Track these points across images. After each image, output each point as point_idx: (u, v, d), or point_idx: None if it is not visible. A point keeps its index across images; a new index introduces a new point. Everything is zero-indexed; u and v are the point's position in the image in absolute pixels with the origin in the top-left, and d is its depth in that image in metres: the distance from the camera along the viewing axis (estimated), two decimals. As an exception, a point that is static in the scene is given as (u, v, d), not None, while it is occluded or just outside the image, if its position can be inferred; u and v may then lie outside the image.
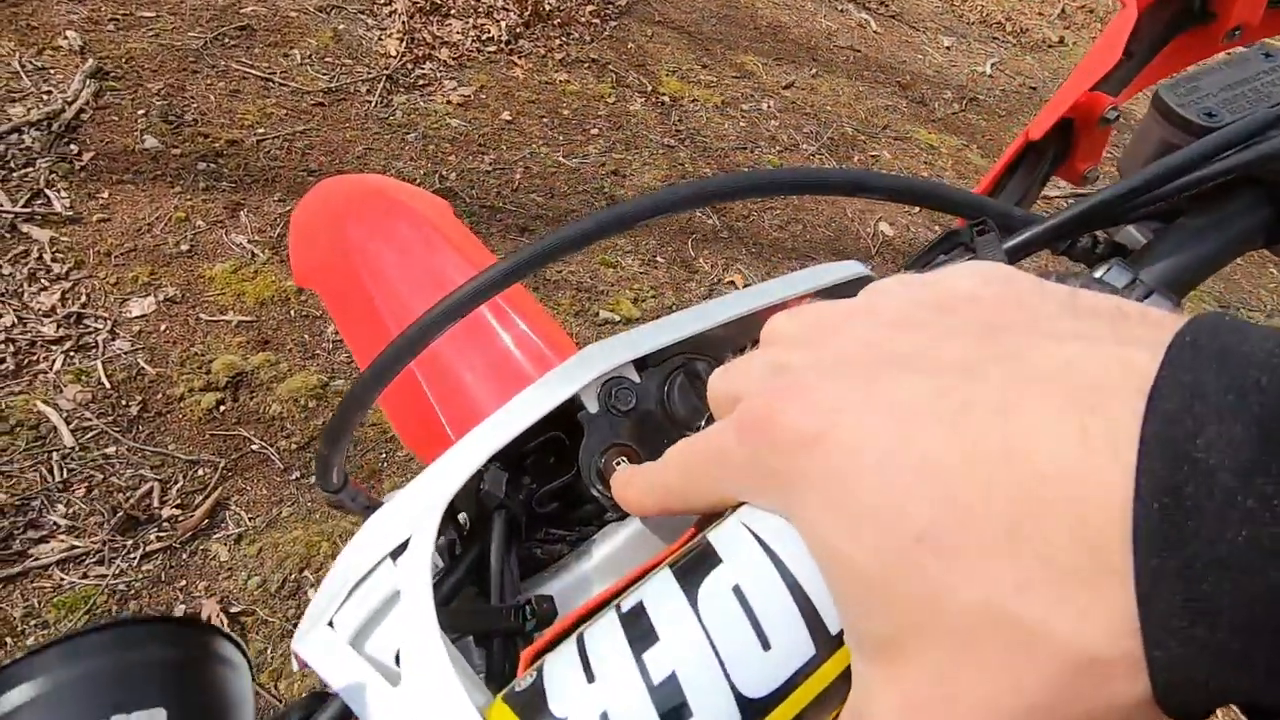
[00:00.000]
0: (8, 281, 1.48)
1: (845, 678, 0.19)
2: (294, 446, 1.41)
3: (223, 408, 1.43)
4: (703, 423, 0.31)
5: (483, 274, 0.28)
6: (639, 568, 0.25)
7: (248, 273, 1.64)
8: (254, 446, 1.39)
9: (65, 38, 1.92)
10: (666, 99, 2.58)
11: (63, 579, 1.17)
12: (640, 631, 0.19)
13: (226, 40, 2.13)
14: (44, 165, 1.66)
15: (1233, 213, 0.30)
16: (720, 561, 0.20)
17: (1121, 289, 0.27)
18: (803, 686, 0.18)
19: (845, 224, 2.35)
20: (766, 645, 0.18)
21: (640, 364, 0.33)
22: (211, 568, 1.24)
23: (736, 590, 0.19)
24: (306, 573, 1.27)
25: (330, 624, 0.22)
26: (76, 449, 1.31)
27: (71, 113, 1.76)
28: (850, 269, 0.34)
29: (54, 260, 1.53)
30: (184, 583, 1.21)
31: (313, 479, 1.38)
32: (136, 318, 1.51)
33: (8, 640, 1.09)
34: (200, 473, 1.34)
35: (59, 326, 1.44)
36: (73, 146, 1.72)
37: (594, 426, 0.31)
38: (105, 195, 1.67)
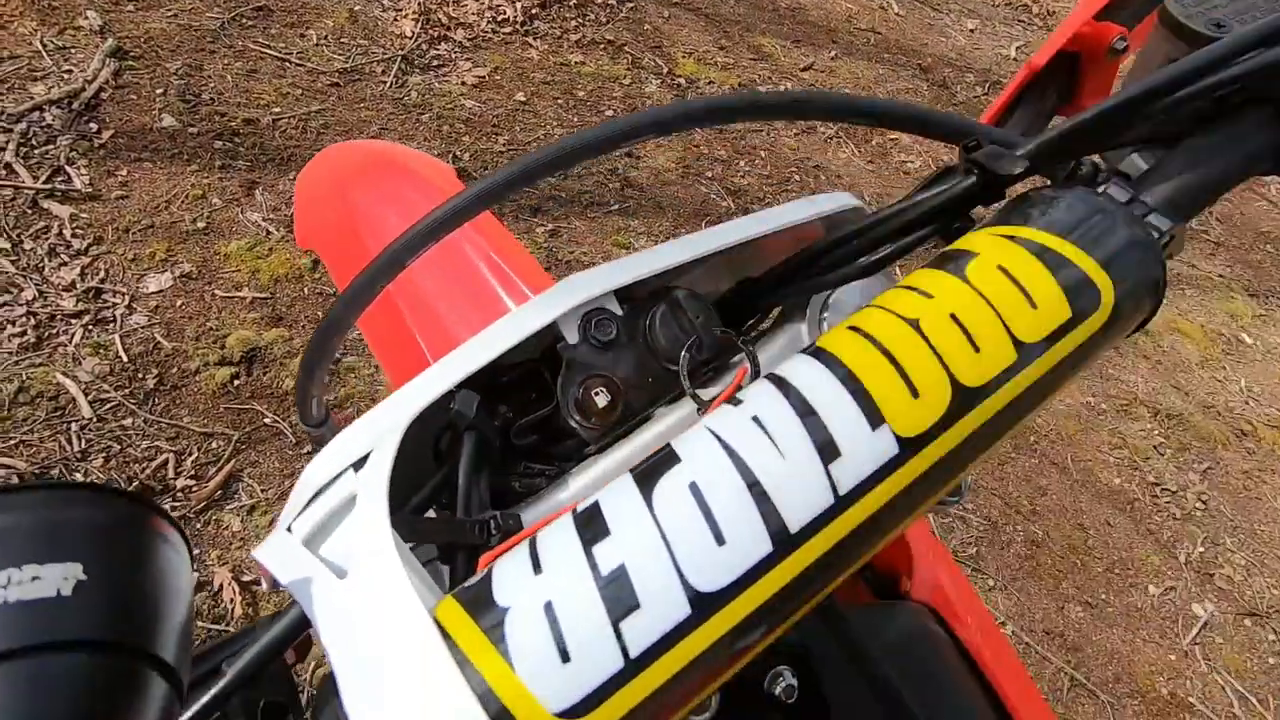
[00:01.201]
0: (29, 256, 1.50)
1: (805, 580, 0.18)
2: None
3: (237, 382, 1.44)
4: (684, 353, 0.31)
5: (454, 199, 0.28)
6: None
7: (263, 250, 1.65)
8: (266, 420, 1.41)
9: (86, 17, 1.94)
10: (683, 80, 2.55)
11: (80, 546, 1.19)
12: (592, 528, 0.18)
13: (244, 20, 2.14)
14: (65, 143, 1.68)
15: (1240, 132, 0.29)
16: (679, 461, 0.19)
17: (1123, 204, 0.26)
18: (758, 584, 0.17)
19: (869, 200, 2.32)
20: (721, 540, 0.17)
21: (624, 296, 0.32)
22: (224, 537, 1.26)
23: (693, 487, 0.18)
24: (317, 544, 1.28)
25: (289, 529, 0.22)
26: (94, 420, 1.33)
27: (91, 91, 1.78)
28: (842, 199, 0.33)
29: (74, 236, 1.55)
30: (197, 552, 1.23)
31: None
32: (154, 293, 1.53)
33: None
34: (214, 445, 1.36)
35: (78, 301, 1.46)
36: (92, 125, 1.74)
37: (573, 357, 0.30)
38: (124, 173, 1.69)
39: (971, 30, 3.45)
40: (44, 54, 1.82)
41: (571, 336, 0.31)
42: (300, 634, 0.21)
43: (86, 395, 1.35)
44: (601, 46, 2.57)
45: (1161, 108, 0.26)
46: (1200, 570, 1.73)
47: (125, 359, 1.42)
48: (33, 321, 1.41)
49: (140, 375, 1.41)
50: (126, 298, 1.50)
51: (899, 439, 0.20)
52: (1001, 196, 0.27)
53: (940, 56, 3.18)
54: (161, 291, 1.54)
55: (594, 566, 0.17)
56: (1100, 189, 0.26)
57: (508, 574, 0.18)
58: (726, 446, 0.19)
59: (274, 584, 0.21)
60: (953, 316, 0.22)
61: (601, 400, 0.30)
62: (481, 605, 0.18)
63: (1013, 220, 0.26)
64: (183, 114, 1.83)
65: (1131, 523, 1.79)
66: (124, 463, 1.30)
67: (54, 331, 1.42)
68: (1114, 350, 2.24)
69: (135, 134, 1.76)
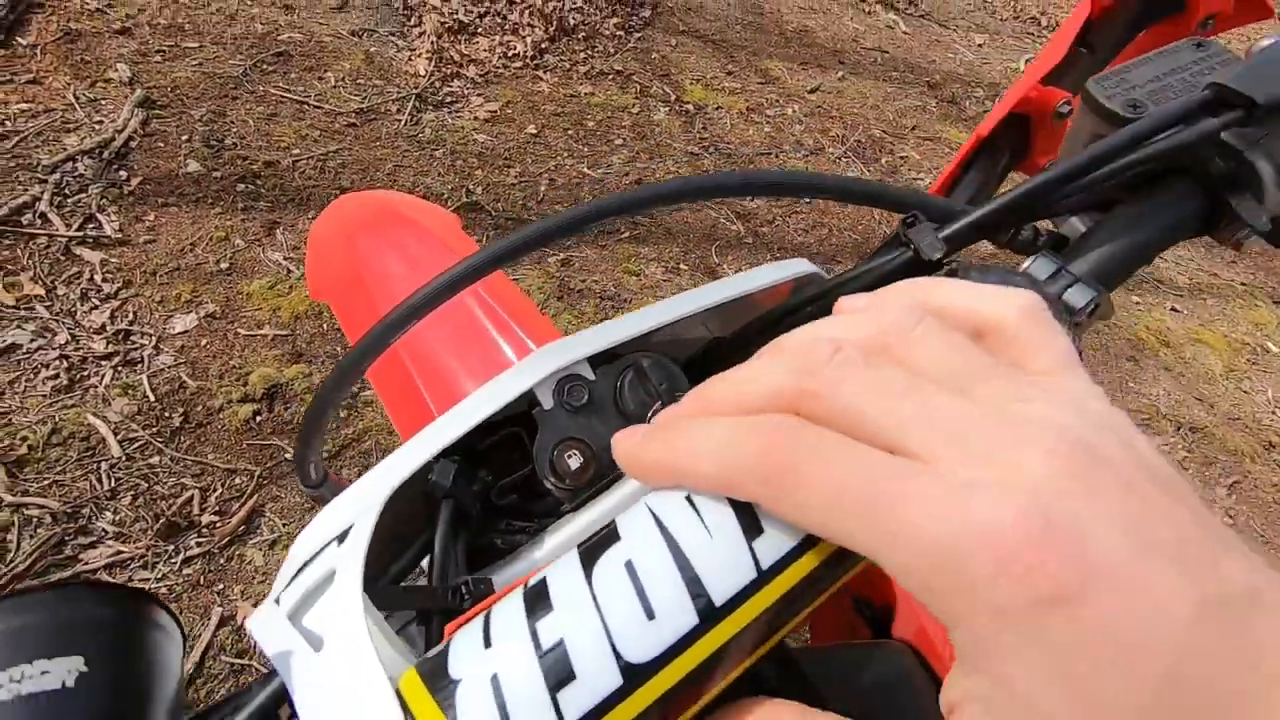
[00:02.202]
0: (62, 301, 1.56)
1: (730, 647, 0.20)
2: (325, 455, 1.46)
3: (259, 418, 1.49)
4: (650, 416, 0.32)
5: (443, 275, 0.30)
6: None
7: (283, 288, 1.71)
8: (288, 455, 1.44)
9: (116, 70, 2.02)
10: (690, 107, 2.59)
11: (110, 582, 1.23)
12: (537, 604, 0.20)
13: (265, 66, 2.22)
14: (95, 191, 1.75)
15: (1164, 202, 0.30)
16: (619, 540, 0.21)
17: (1044, 280, 0.27)
18: (685, 654, 0.19)
19: (871, 227, 2.33)
20: (651, 615, 0.19)
21: (597, 361, 0.34)
22: (247, 572, 1.29)
23: (628, 565, 0.20)
24: (337, 577, 1.31)
25: (277, 601, 0.24)
26: (123, 459, 1.37)
27: (121, 140, 1.85)
28: (799, 266, 0.34)
29: (104, 280, 1.62)
30: (221, 586, 1.26)
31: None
32: (179, 333, 1.58)
33: (59, 640, 1.15)
34: (237, 481, 1.40)
35: (108, 343, 1.52)
36: (122, 172, 1.81)
37: (547, 422, 0.32)
38: (151, 218, 1.76)
39: (980, 45, 3.46)
40: (76, 106, 1.90)
41: (547, 402, 0.33)
42: (287, 698, 0.23)
43: (116, 435, 1.40)
44: (610, 77, 2.62)
45: (1085, 184, 0.28)
46: (1229, 588, 1.70)
47: (153, 398, 1.47)
48: (65, 364, 1.47)
49: (167, 414, 1.45)
50: (154, 339, 1.56)
51: None
52: (939, 266, 0.29)
53: (949, 73, 3.19)
54: (187, 332, 1.59)
55: (536, 640, 0.19)
56: (1024, 266, 0.28)
57: (462, 647, 0.20)
58: (661, 525, 0.21)
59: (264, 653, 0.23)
60: None
61: (574, 462, 0.32)
62: (437, 678, 0.20)
63: None
64: (207, 159, 1.91)
65: (1156, 540, 1.76)
66: (151, 500, 1.34)
67: (85, 373, 1.47)
68: (1133, 363, 2.21)
69: (162, 180, 1.83)
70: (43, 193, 1.70)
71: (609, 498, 0.33)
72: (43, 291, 1.55)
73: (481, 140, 2.23)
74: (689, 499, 0.21)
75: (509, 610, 0.20)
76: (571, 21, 2.73)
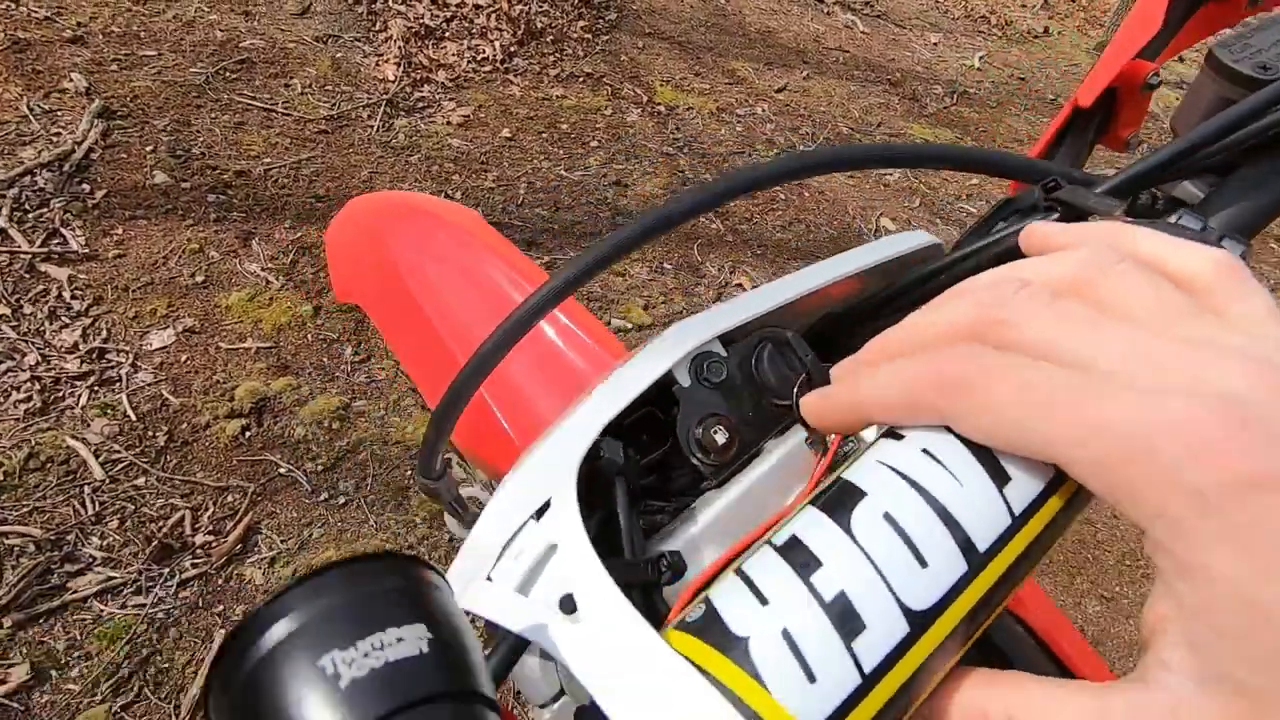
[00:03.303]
0: (30, 320, 1.49)
1: (994, 593, 0.20)
2: (320, 468, 1.42)
3: (248, 433, 1.44)
4: (795, 390, 0.33)
5: (581, 257, 0.30)
6: (765, 522, 0.26)
7: (263, 300, 1.66)
8: (281, 470, 1.40)
9: (70, 80, 1.94)
10: (662, 108, 2.61)
11: (102, 610, 1.17)
12: (802, 559, 0.20)
13: (228, 74, 2.15)
14: (58, 205, 1.68)
15: (1292, 163, 0.32)
16: (865, 494, 0.21)
17: (1197, 231, 0.29)
18: (959, 600, 0.19)
19: (847, 221, 2.37)
20: (924, 563, 0.19)
21: (725, 340, 0.34)
22: (248, 591, 1.25)
23: (888, 517, 0.20)
24: (342, 592, 1.27)
25: (489, 579, 0.24)
26: (107, 481, 1.31)
27: (81, 153, 1.78)
28: (920, 238, 0.35)
29: (73, 297, 1.55)
30: (221, 607, 1.22)
31: (340, 498, 1.40)
32: (157, 349, 1.52)
33: (53, 673, 1.10)
34: (230, 499, 1.35)
35: (82, 362, 1.45)
36: (85, 185, 1.74)
37: (688, 399, 0.32)
38: (119, 231, 1.69)
39: (935, 44, 3.56)
40: (31, 118, 1.82)
41: (684, 380, 0.33)
42: (504, 675, 0.22)
43: (97, 457, 1.34)
44: (581, 80, 2.62)
45: (1224, 145, 0.29)
46: (1205, 555, 1.77)
47: (134, 418, 1.41)
48: (38, 386, 1.40)
49: (150, 433, 1.40)
50: (130, 356, 1.49)
51: None
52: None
53: (908, 70, 3.27)
54: (165, 348, 1.53)
55: (816, 594, 0.19)
56: (1173, 219, 0.29)
57: (734, 606, 0.20)
58: (906, 478, 0.21)
59: (493, 628, 0.23)
60: None
61: (720, 438, 0.32)
62: (721, 636, 0.19)
63: None
64: (174, 169, 1.84)
65: (1134, 513, 1.83)
66: (139, 522, 1.29)
67: (60, 395, 1.41)
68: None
69: (128, 192, 1.76)
70: (1, 208, 1.62)
71: (752, 472, 0.33)
72: (8, 311, 1.48)
73: (456, 145, 2.21)
74: (925, 450, 0.21)
75: (770, 568, 0.20)
76: (539, 25, 2.72)
